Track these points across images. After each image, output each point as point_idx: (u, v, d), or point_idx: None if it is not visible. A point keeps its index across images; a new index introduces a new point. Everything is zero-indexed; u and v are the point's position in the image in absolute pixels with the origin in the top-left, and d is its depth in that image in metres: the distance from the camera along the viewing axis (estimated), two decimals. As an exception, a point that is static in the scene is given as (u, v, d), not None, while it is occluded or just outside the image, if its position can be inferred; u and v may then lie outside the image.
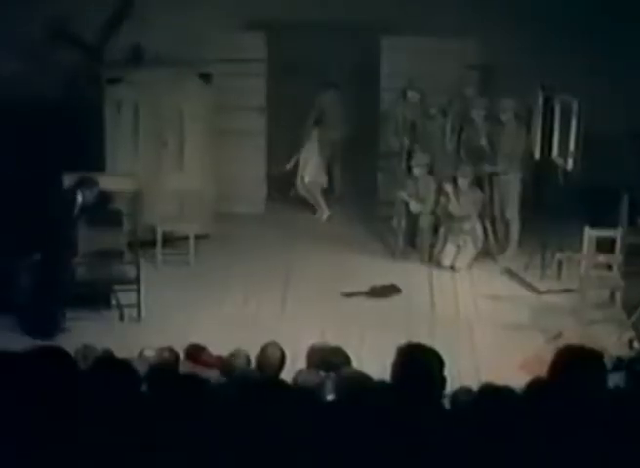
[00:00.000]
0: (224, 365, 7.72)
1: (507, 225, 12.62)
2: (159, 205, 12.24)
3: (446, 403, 5.51)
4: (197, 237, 12.37)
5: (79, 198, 10.37)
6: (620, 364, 7.84)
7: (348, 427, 4.56)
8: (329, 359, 7.48)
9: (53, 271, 10.32)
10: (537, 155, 11.99)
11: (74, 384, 4.79)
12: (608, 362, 7.09)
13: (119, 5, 13.51)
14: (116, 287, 10.81)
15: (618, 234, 11.07)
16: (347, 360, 7.60)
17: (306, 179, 13.91)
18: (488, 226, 12.58)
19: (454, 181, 12.35)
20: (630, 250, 11.08)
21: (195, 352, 8.11)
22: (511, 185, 12.47)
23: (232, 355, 7.80)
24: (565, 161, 11.56)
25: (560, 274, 11.85)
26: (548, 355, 5.09)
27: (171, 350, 7.90)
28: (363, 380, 6.05)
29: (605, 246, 11.15)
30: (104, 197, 10.75)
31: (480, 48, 13.11)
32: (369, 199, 13.98)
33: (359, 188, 14.38)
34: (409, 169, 12.64)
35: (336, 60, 13.78)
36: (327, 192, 14.28)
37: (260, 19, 13.47)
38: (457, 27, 12.92)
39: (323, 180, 14.05)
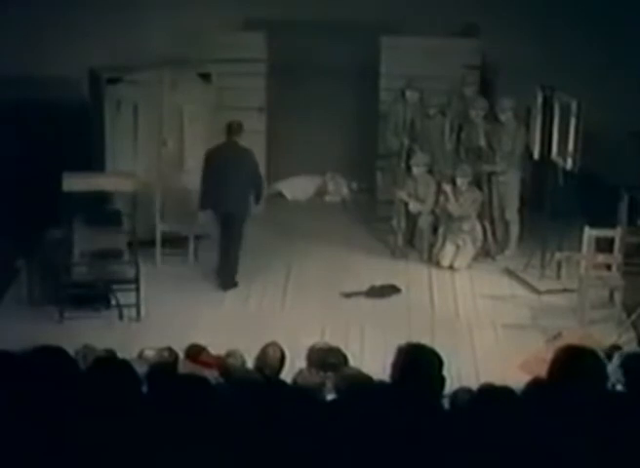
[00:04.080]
0: (220, 365, 7.73)
1: (507, 225, 12.62)
2: (159, 205, 12.23)
3: (446, 403, 5.51)
4: (197, 237, 12.37)
5: None
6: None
7: (348, 427, 4.56)
8: (326, 359, 7.50)
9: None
10: (536, 155, 11.98)
11: (74, 384, 4.79)
12: (617, 358, 7.11)
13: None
14: (115, 286, 10.81)
15: (617, 234, 11.07)
16: (345, 360, 7.62)
17: None
18: (487, 226, 12.57)
19: (453, 181, 12.35)
20: (630, 250, 11.09)
21: (195, 352, 8.12)
22: (510, 185, 12.47)
23: (227, 355, 7.81)
24: (564, 161, 11.56)
25: (559, 274, 11.85)
26: (548, 355, 5.10)
27: (171, 350, 7.91)
28: (363, 380, 6.06)
29: (604, 246, 11.15)
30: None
31: (480, 48, 13.12)
32: (369, 199, 13.98)
33: (358, 188, 14.40)
34: (408, 169, 12.65)
35: (336, 60, 13.77)
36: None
37: (259, 19, 13.47)
38: (457, 27, 12.91)
39: None
